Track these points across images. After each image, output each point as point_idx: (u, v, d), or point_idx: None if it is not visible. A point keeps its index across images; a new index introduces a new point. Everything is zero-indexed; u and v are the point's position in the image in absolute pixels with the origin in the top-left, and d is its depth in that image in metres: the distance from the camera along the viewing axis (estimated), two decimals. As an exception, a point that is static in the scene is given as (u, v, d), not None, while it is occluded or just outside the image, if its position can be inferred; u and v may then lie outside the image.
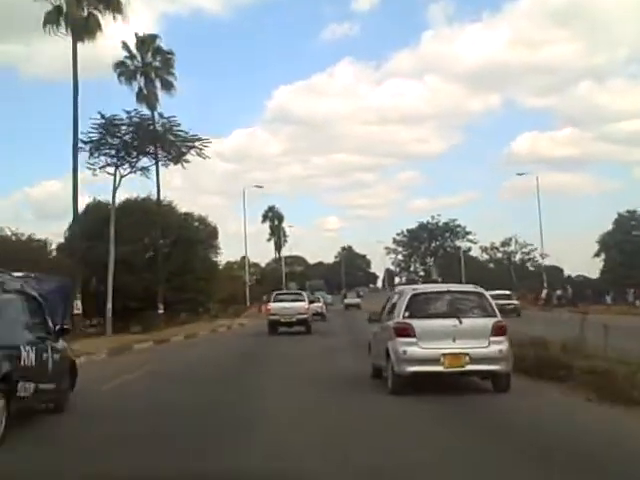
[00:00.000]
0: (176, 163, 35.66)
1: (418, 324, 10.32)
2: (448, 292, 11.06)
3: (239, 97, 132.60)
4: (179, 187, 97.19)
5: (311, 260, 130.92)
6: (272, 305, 27.72)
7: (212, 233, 47.56)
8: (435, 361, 10.10)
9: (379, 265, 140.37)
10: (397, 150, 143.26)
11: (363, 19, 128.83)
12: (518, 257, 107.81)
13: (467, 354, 10.12)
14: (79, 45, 28.62)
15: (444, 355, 10.12)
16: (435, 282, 59.11)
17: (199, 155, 35.52)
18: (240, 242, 72.86)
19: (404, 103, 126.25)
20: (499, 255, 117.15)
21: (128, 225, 35.74)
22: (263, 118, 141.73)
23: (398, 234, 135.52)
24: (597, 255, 77.24)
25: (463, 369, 10.23)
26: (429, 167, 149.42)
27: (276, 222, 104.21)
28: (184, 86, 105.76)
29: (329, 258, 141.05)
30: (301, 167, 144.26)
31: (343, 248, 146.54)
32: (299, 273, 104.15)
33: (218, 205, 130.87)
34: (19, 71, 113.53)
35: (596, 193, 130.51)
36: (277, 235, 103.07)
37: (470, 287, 11.81)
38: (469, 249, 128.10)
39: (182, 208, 45.16)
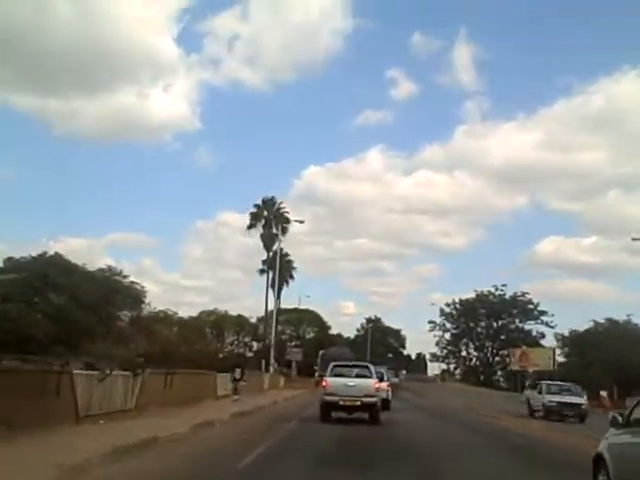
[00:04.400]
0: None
1: None
2: None
3: (269, 173, 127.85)
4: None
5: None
6: (329, 381, 20.91)
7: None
8: None
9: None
10: (419, 241, 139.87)
11: (398, 107, 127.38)
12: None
13: None
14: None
15: None
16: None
17: None
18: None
19: (431, 195, 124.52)
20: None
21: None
22: (290, 196, 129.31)
23: (448, 305, 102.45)
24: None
25: None
26: (449, 261, 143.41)
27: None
28: (217, 156, 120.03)
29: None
30: (322, 248, 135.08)
31: (369, 320, 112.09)
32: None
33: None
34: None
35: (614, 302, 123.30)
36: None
37: None
38: (542, 335, 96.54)
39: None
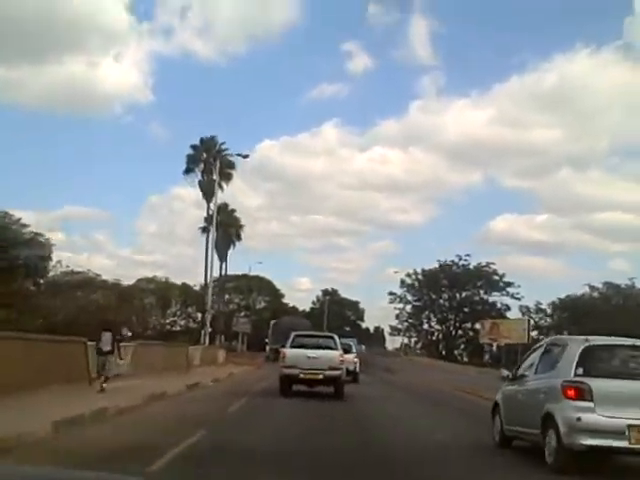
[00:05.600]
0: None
1: (596, 385, 8.44)
2: (633, 347, 9.21)
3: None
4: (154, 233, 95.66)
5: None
6: (288, 352, 19.71)
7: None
8: (618, 434, 8.18)
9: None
10: (375, 217, 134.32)
11: (354, 81, 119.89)
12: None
13: None
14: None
15: (630, 427, 8.20)
16: None
17: None
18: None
19: (386, 171, 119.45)
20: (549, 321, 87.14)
21: None
22: (243, 170, 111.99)
23: (409, 275, 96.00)
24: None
25: None
26: (405, 238, 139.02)
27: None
28: (169, 130, 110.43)
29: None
30: (278, 224, 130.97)
31: (326, 292, 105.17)
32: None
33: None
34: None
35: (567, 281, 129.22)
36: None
37: None
38: (506, 307, 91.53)
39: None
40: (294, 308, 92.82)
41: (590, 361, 8.72)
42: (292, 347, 19.97)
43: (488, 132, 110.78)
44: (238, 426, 12.05)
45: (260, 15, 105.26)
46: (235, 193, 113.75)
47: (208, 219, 45.90)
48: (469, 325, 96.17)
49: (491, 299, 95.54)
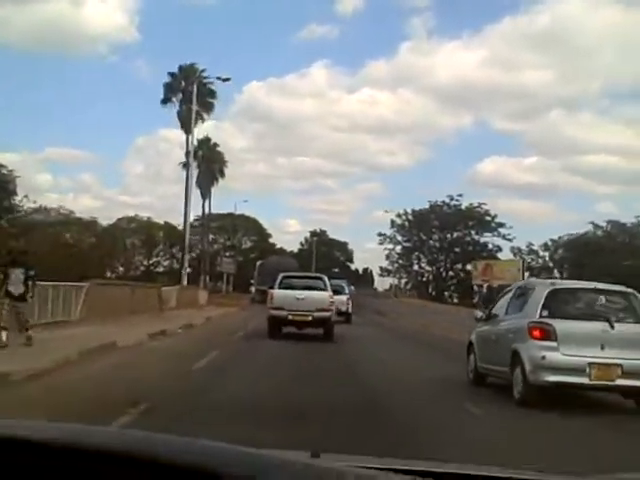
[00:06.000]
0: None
1: (560, 325, 9.11)
2: (595, 290, 9.83)
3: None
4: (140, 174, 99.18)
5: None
6: (275, 293, 19.38)
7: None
8: (579, 371, 8.93)
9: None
10: (363, 159, 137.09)
11: (344, 22, 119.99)
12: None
13: (619, 365, 8.95)
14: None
15: (590, 365, 8.94)
16: None
17: None
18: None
19: (375, 113, 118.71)
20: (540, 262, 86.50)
21: None
22: (230, 111, 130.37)
23: (399, 215, 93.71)
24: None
25: (613, 383, 9.02)
26: (393, 180, 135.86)
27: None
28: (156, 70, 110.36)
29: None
30: (265, 166, 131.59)
31: (314, 233, 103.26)
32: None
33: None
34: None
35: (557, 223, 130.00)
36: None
37: (620, 287, 10.16)
38: (498, 248, 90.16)
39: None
40: (282, 249, 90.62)
41: (555, 303, 9.26)
42: (280, 288, 19.74)
43: (479, 74, 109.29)
44: (200, 393, 9.35)
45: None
46: (222, 136, 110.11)
47: (188, 153, 42.38)
48: (460, 266, 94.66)
49: (482, 240, 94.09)
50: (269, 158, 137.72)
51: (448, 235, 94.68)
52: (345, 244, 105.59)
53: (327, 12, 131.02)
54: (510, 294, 10.76)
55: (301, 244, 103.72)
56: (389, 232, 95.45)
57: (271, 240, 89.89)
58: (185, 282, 38.92)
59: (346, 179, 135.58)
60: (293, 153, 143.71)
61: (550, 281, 10.51)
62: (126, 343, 14.39)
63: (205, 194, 56.94)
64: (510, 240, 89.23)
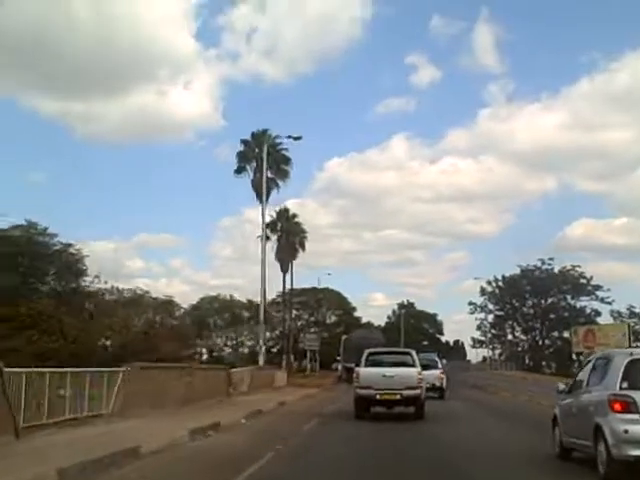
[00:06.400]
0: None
1: None
2: None
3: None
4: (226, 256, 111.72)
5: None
6: (362, 371, 18.91)
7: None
8: None
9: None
10: (447, 229, 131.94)
11: (420, 93, 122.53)
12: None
13: None
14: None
15: None
16: None
17: None
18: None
19: (457, 182, 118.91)
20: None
21: None
22: (313, 189, 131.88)
23: (489, 282, 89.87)
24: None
25: None
26: (479, 248, 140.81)
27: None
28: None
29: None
30: (350, 241, 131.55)
31: (402, 305, 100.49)
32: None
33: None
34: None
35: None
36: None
37: None
38: (596, 313, 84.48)
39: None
40: (368, 323, 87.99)
41: (635, 374, 8.97)
42: (366, 365, 19.22)
43: (559, 136, 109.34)
44: None
45: (323, 34, 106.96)
46: (305, 212, 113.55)
47: (263, 223, 40.69)
48: (556, 334, 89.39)
49: (579, 304, 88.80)
50: (354, 233, 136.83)
51: (542, 301, 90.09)
52: (434, 316, 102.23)
53: (403, 85, 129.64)
54: (590, 365, 10.53)
55: (388, 317, 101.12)
56: (480, 301, 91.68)
57: (356, 314, 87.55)
58: (261, 362, 36.56)
59: (432, 250, 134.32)
60: (378, 227, 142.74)
61: (629, 350, 10.13)
62: (156, 446, 10.98)
63: (285, 268, 55.29)
64: (609, 303, 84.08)
